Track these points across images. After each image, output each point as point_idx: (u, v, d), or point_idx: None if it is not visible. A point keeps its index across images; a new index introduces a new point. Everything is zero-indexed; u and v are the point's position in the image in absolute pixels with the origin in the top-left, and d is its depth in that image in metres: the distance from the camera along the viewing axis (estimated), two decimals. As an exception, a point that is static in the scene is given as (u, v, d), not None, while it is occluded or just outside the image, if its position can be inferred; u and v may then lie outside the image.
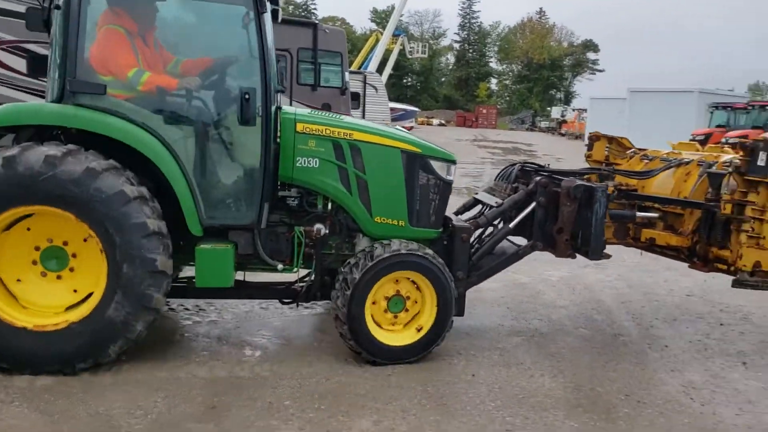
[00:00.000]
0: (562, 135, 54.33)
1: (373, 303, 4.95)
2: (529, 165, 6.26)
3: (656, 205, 5.82)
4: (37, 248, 4.55)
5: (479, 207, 6.20)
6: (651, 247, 5.87)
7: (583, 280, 7.97)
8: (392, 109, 27.35)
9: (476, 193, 6.57)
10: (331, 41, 12.99)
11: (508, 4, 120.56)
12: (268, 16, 4.80)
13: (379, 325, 4.99)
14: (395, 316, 5.03)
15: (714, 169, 5.51)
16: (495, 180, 6.52)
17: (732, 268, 5.28)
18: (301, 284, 5.33)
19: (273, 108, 4.83)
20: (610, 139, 6.94)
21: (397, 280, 4.99)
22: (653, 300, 7.29)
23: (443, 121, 64.78)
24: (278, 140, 4.91)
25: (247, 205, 4.83)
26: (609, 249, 5.52)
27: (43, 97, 8.85)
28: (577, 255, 5.55)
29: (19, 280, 4.55)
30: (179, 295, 5.27)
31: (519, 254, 5.56)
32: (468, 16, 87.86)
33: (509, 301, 6.90)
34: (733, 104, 30.60)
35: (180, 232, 4.70)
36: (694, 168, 5.78)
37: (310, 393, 4.46)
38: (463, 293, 5.23)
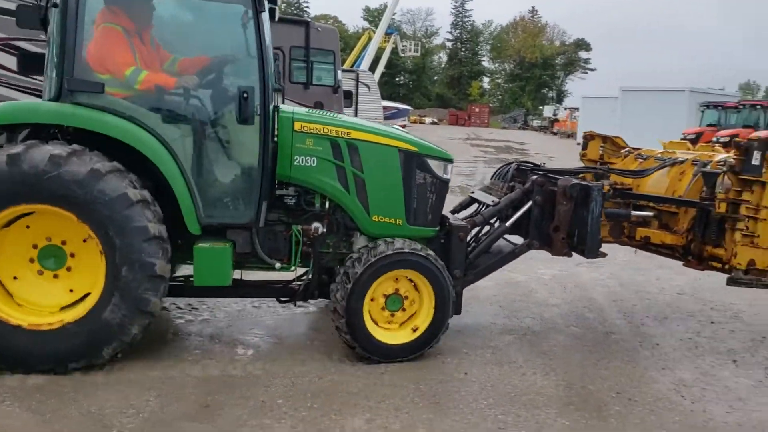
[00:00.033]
0: (554, 134, 54.45)
1: (372, 300, 4.96)
2: (525, 164, 6.29)
3: (651, 204, 5.85)
4: (35, 246, 4.53)
5: (475, 206, 6.22)
6: (646, 245, 5.91)
7: (575, 278, 8.00)
8: (385, 108, 27.38)
9: (472, 192, 6.59)
10: (324, 39, 12.99)
11: (501, 3, 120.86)
12: (266, 15, 4.80)
13: (375, 323, 5.00)
14: (392, 315, 5.04)
15: (708, 168, 5.55)
16: (491, 179, 6.54)
17: (726, 267, 5.32)
18: (299, 283, 5.34)
19: (271, 107, 4.83)
20: (605, 139, 6.97)
21: (396, 279, 5.01)
22: (645, 298, 7.32)
23: (436, 120, 64.83)
24: (276, 139, 4.91)
25: (246, 203, 4.83)
26: (603, 247, 5.54)
27: (33, 94, 8.87)
28: (573, 253, 5.58)
29: (15, 278, 4.53)
30: (176, 294, 5.26)
31: (515, 253, 5.58)
32: (460, 15, 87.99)
33: (502, 299, 6.92)
34: (724, 103, 30.75)
35: (177, 231, 4.69)
36: (689, 167, 5.82)
37: (303, 391, 4.46)
38: (460, 292, 5.26)
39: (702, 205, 5.42)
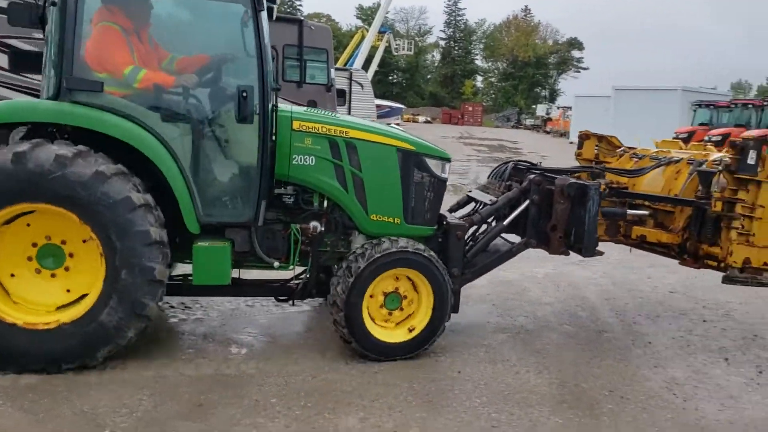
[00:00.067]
0: (547, 133, 54.56)
1: (371, 296, 4.97)
2: (522, 163, 6.32)
3: (646, 203, 5.89)
4: (34, 245, 4.52)
5: (472, 205, 6.25)
6: (641, 244, 5.93)
7: (568, 277, 8.03)
8: (378, 106, 27.36)
9: (469, 191, 6.61)
10: (317, 38, 12.96)
11: (494, 2, 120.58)
12: (264, 14, 4.80)
13: (372, 320, 5.01)
14: (390, 313, 5.06)
15: (704, 167, 5.58)
16: (488, 178, 6.57)
17: (722, 265, 5.35)
18: (297, 281, 5.34)
19: (270, 106, 4.83)
20: (600, 138, 7.02)
21: (397, 278, 5.03)
22: (637, 297, 7.35)
23: (429, 119, 64.77)
24: (274, 138, 4.91)
25: (244, 202, 4.83)
26: (599, 246, 5.57)
27: (24, 93, 8.83)
28: (569, 252, 5.61)
29: (12, 275, 4.51)
30: (174, 293, 5.24)
31: (513, 251, 5.61)
32: (454, 14, 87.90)
33: (495, 298, 6.93)
34: (716, 102, 30.90)
35: (175, 230, 4.69)
36: (684, 166, 5.86)
37: (297, 390, 4.46)
38: (458, 290, 5.28)
39: (698, 203, 5.45)
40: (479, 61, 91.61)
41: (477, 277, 5.56)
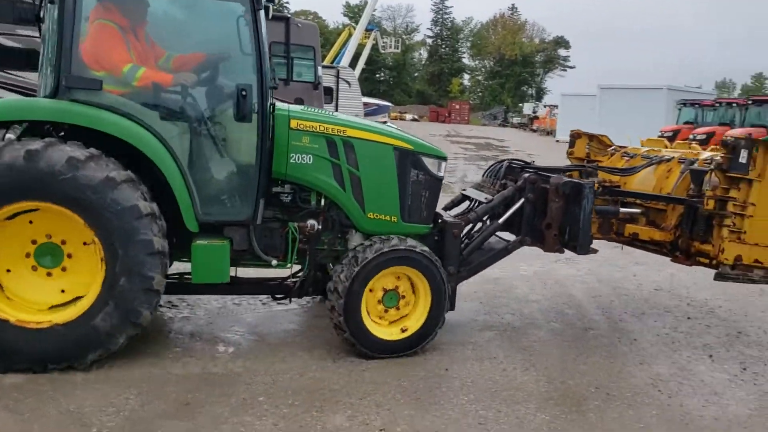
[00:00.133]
0: (534, 131, 54.81)
1: (370, 290, 4.98)
2: (516, 162, 6.36)
3: (638, 201, 5.94)
4: (33, 242, 4.48)
5: (467, 203, 6.29)
6: (634, 241, 5.99)
7: (554, 274, 8.07)
8: (365, 104, 27.28)
9: (464, 190, 6.64)
10: (304, 35, 12.93)
11: (481, 0, 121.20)
12: (262, 13, 4.80)
13: (368, 313, 5.02)
14: (386, 311, 5.08)
15: (696, 166, 5.63)
16: (483, 176, 6.61)
17: (714, 262, 5.39)
18: (294, 280, 5.35)
19: (268, 104, 4.82)
20: (591, 137, 7.09)
21: (398, 277, 5.05)
22: (622, 294, 7.40)
23: (416, 117, 64.86)
24: (272, 137, 4.90)
25: (243, 201, 4.83)
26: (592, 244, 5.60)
27: (9, 90, 8.74)
28: (563, 250, 5.65)
29: (8, 271, 4.47)
30: (171, 292, 5.19)
31: (508, 249, 5.64)
32: (441, 12, 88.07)
33: (482, 295, 6.96)
34: (701, 101, 31.17)
35: (173, 229, 4.67)
36: (675, 165, 5.92)
37: (284, 389, 4.46)
38: (454, 288, 5.31)
39: (691, 202, 5.51)
40: (466, 59, 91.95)
41: (472, 275, 5.59)
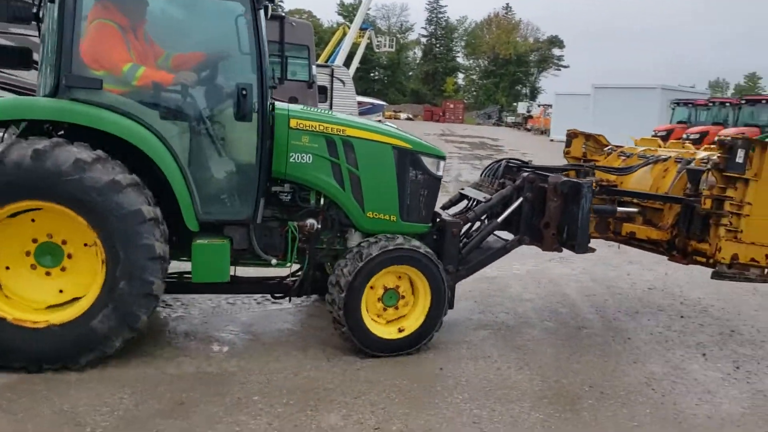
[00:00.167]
0: (528, 130, 54.84)
1: (371, 287, 4.99)
2: (514, 161, 6.38)
3: (635, 200, 5.96)
4: (34, 240, 4.47)
5: (465, 202, 6.31)
6: (630, 240, 6.01)
7: (548, 273, 8.09)
8: (359, 103, 27.28)
9: (462, 189, 6.66)
10: (298, 34, 12.91)
11: (475, 0, 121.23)
12: (262, 12, 4.81)
13: (366, 309, 5.03)
14: (384, 309, 5.09)
15: (692, 165, 5.66)
16: (481, 175, 6.63)
17: (711, 261, 5.42)
18: (293, 279, 5.35)
19: (268, 104, 4.82)
20: (588, 137, 7.12)
21: (400, 276, 5.07)
22: (616, 293, 7.42)
23: (411, 116, 64.85)
24: (272, 136, 4.89)
25: (243, 200, 4.83)
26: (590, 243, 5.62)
27: (1, 88, 8.69)
28: (561, 249, 5.66)
29: (7, 268, 4.46)
30: (170, 291, 5.18)
31: (507, 248, 5.66)
32: (435, 11, 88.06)
33: (477, 294, 6.97)
34: (695, 101, 31.25)
35: (172, 228, 4.67)
36: (672, 165, 5.94)
37: (279, 388, 4.46)
38: (452, 286, 5.33)
39: (687, 201, 5.53)
40: (461, 59, 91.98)
41: (471, 274, 5.61)
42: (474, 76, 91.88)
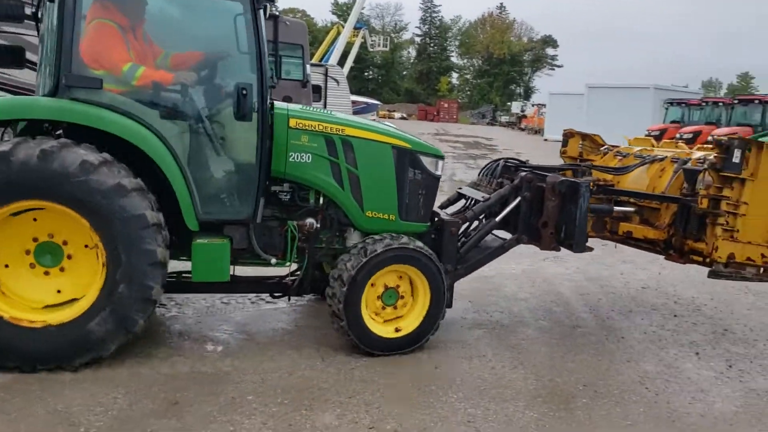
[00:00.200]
0: (522, 130, 54.97)
1: (372, 285, 4.99)
2: (512, 161, 6.40)
3: (631, 200, 5.98)
4: (35, 239, 4.46)
5: (463, 201, 6.32)
6: (627, 240, 6.03)
7: (542, 273, 8.10)
8: (354, 102, 27.25)
9: (460, 188, 6.68)
10: (292, 33, 12.89)
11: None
12: (262, 12, 4.81)
13: (365, 306, 5.03)
14: (383, 308, 5.10)
15: (689, 165, 5.68)
16: (479, 175, 6.64)
17: (707, 260, 5.44)
18: (292, 278, 5.35)
19: (268, 103, 4.82)
20: (584, 136, 7.14)
21: (400, 276, 5.07)
22: (610, 292, 7.44)
23: (405, 115, 64.90)
24: (271, 135, 4.89)
25: (243, 199, 4.83)
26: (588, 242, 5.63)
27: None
28: (559, 248, 5.68)
29: (6, 266, 4.45)
30: (169, 291, 5.16)
31: (505, 247, 5.68)
32: (429, 10, 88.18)
33: (471, 294, 6.97)
34: (688, 100, 31.35)
35: (172, 227, 4.66)
36: (668, 164, 5.96)
37: (273, 387, 4.45)
38: (451, 285, 5.34)
39: (684, 200, 5.56)
40: (455, 58, 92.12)
41: (469, 273, 5.63)
42: (468, 76, 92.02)
